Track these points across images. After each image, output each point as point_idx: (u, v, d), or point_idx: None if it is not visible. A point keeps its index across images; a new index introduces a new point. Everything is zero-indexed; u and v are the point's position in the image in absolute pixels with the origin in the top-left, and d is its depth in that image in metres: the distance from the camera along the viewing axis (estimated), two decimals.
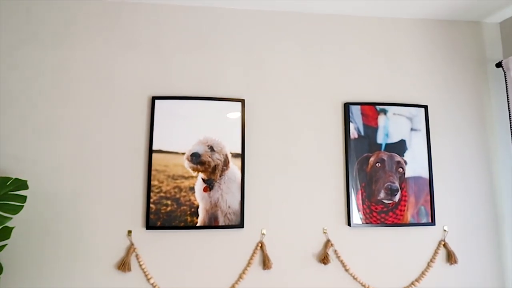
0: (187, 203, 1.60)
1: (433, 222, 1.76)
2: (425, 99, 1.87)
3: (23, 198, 1.37)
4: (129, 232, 1.58)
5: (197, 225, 1.60)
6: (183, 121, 1.65)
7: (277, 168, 1.72)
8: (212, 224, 1.61)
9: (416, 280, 1.73)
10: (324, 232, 1.71)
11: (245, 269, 1.63)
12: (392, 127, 1.82)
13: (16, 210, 1.33)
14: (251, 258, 1.64)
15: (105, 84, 1.66)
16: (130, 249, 1.56)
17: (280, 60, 1.80)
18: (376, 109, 1.82)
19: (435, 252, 1.77)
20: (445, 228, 1.79)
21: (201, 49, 1.75)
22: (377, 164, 1.78)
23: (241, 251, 1.64)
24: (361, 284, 1.69)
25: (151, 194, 1.59)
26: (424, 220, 1.76)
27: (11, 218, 1.31)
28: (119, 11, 1.73)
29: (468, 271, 1.76)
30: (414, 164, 1.80)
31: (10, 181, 1.37)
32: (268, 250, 1.65)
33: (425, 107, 1.85)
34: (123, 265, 1.53)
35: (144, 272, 1.56)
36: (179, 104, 1.66)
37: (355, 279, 1.69)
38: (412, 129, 1.83)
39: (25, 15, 1.66)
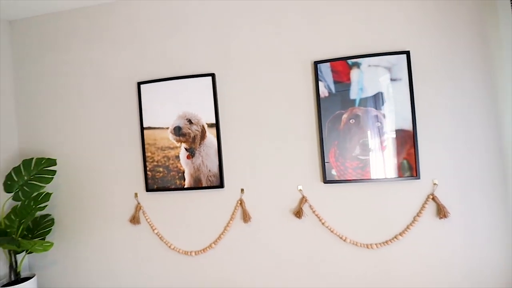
0: (175, 169, 1.86)
1: (417, 176, 1.64)
2: (406, 44, 1.66)
3: (53, 172, 1.83)
4: (136, 194, 1.94)
5: (185, 187, 1.85)
6: (165, 100, 1.86)
7: (250, 132, 1.81)
8: (197, 185, 1.84)
9: (400, 234, 1.68)
10: (299, 190, 1.77)
11: (228, 223, 1.84)
12: (367, 80, 1.69)
13: (48, 181, 1.80)
14: (233, 214, 1.83)
15: (102, 77, 1.97)
16: (138, 207, 1.92)
17: (246, 29, 1.81)
18: (348, 63, 1.70)
19: (422, 206, 1.67)
20: (435, 181, 1.65)
21: (173, 34, 1.89)
22: (350, 121, 1.71)
23: (223, 208, 1.85)
24: (339, 236, 1.73)
25: (147, 163, 1.89)
26: (407, 174, 1.66)
27: (45, 186, 1.79)
28: (103, 14, 1.97)
29: (465, 225, 1.61)
30: (394, 117, 1.66)
31: (44, 160, 1.84)
32: (247, 207, 1.82)
33: (407, 53, 1.64)
34: (134, 219, 1.92)
35: (150, 225, 1.92)
36: (159, 86, 1.87)
37: (332, 231, 1.74)
38: (391, 80, 1.67)
39: (39, 30, 2.06)
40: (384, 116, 1.67)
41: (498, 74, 1.58)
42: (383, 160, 1.67)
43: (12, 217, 1.78)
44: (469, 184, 1.62)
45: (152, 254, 1.92)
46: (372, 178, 1.68)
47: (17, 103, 2.09)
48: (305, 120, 1.76)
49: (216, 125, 1.81)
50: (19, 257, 1.89)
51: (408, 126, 1.65)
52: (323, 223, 1.74)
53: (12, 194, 1.79)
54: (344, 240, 1.72)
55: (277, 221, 1.79)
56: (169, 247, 1.89)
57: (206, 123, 1.82)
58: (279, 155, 1.79)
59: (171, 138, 1.86)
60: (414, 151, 1.64)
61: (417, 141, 1.64)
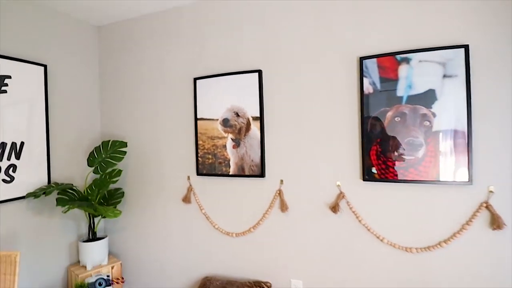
0: (222, 157, 2.03)
1: (469, 181, 1.51)
2: (464, 38, 1.52)
3: (124, 153, 2.16)
4: (188, 177, 2.16)
5: (230, 173, 2.01)
6: (216, 94, 2.03)
7: (292, 126, 1.87)
8: (240, 173, 1.98)
9: (445, 241, 1.57)
10: (338, 185, 1.78)
11: (267, 210, 1.94)
12: (418, 76, 1.59)
13: (119, 159, 2.13)
14: (271, 202, 1.93)
15: (165, 73, 2.22)
16: (189, 188, 2.15)
17: (292, 27, 1.86)
18: (396, 59, 1.63)
19: (474, 214, 1.53)
20: (491, 188, 1.50)
21: (226, 35, 2.03)
22: (395, 119, 1.64)
23: (263, 196, 1.95)
24: (375, 235, 1.70)
25: (198, 150, 2.09)
26: (457, 179, 1.53)
27: (117, 164, 2.12)
28: (171, 18, 2.21)
29: None
30: (447, 116, 1.54)
31: (118, 142, 2.18)
32: (285, 197, 1.89)
33: (466, 47, 1.50)
34: (186, 199, 2.15)
35: (199, 205, 2.13)
36: (212, 81, 2.04)
37: (368, 230, 1.71)
38: (445, 76, 1.55)
39: (120, 34, 2.40)
40: (434, 114, 1.56)
41: None
42: (430, 161, 1.58)
43: (93, 187, 2.15)
44: None
45: (198, 231, 2.13)
46: (416, 179, 1.60)
47: (100, 95, 2.49)
48: (348, 117, 1.75)
49: (260, 119, 1.91)
50: (96, 220, 2.28)
51: (462, 126, 1.52)
52: (359, 221, 1.72)
53: (93, 168, 2.18)
54: (382, 240, 1.68)
55: (313, 214, 1.83)
56: (214, 226, 2.08)
57: (251, 116, 1.94)
58: (319, 149, 1.81)
59: (219, 128, 2.02)
60: (468, 154, 1.51)
61: (471, 143, 1.50)
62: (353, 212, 1.74)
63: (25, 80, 1.98)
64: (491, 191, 1.50)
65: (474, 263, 1.52)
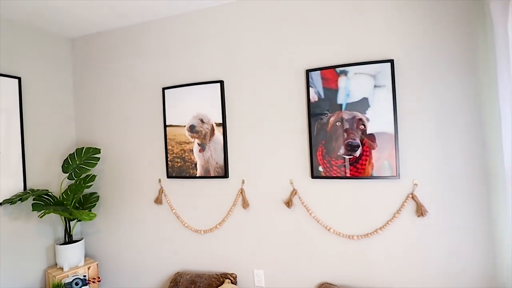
0: (189, 160, 2.20)
1: (397, 176, 1.76)
2: (390, 53, 1.78)
3: (98, 159, 2.30)
4: (159, 180, 2.32)
5: (197, 175, 2.19)
6: (183, 102, 2.21)
7: (251, 131, 2.07)
8: (206, 175, 2.16)
9: (380, 228, 1.82)
10: (291, 183, 1.99)
11: (231, 208, 2.13)
12: (354, 86, 1.84)
13: (93, 165, 2.27)
14: (235, 201, 2.12)
15: (135, 83, 2.38)
16: (161, 190, 2.31)
17: (249, 41, 2.07)
18: (336, 71, 1.87)
19: (402, 204, 1.78)
20: (415, 182, 1.76)
21: (191, 48, 2.22)
22: (337, 123, 1.88)
23: (227, 195, 2.14)
24: (324, 226, 1.92)
25: (168, 155, 2.26)
26: (387, 174, 1.78)
27: (90, 169, 2.26)
28: (140, 32, 2.37)
29: (442, 224, 1.70)
30: (378, 120, 1.80)
31: (91, 149, 2.31)
32: (246, 195, 2.09)
33: (391, 61, 1.76)
34: (157, 200, 2.31)
35: (169, 205, 2.29)
36: (179, 91, 2.22)
37: (318, 221, 1.93)
38: (375, 86, 1.80)
39: (93, 46, 2.54)
40: (368, 119, 1.81)
41: (480, 80, 1.63)
42: (366, 159, 1.82)
43: (68, 192, 2.27)
44: (448, 185, 1.69)
45: (170, 230, 2.30)
46: (354, 175, 1.84)
47: (75, 104, 2.61)
48: (298, 122, 1.97)
49: (223, 125, 2.11)
50: (72, 224, 2.40)
51: (390, 129, 1.77)
52: (310, 214, 1.95)
53: (67, 174, 2.30)
54: (328, 230, 1.91)
55: (271, 209, 2.03)
56: (184, 225, 2.25)
57: (215, 123, 2.13)
58: (275, 152, 2.02)
59: (187, 134, 2.20)
60: (395, 152, 1.77)
61: (398, 143, 1.76)
62: (305, 206, 1.96)
63: (0, 92, 2.09)
64: (415, 184, 1.76)
65: (405, 246, 1.77)
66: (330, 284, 1.88)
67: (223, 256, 2.16)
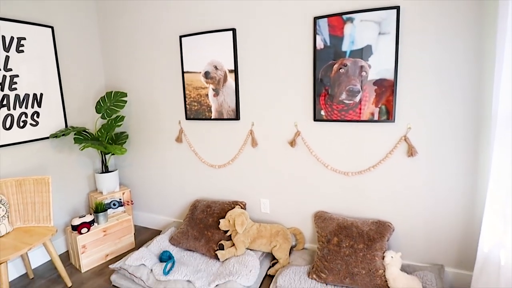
0: (205, 104, 2.39)
1: (392, 120, 1.88)
2: (397, 0, 1.77)
3: (125, 102, 2.53)
4: (179, 121, 2.55)
5: (212, 117, 2.39)
6: (198, 50, 2.32)
7: (261, 77, 2.19)
8: (220, 117, 2.36)
9: (373, 166, 1.99)
10: (295, 125, 2.16)
11: (242, 147, 2.35)
12: (359, 33, 1.88)
13: (121, 107, 2.51)
14: (245, 140, 2.34)
15: (157, 31, 2.50)
16: (180, 130, 2.55)
17: None
18: (342, 19, 1.90)
19: (395, 146, 1.92)
20: (409, 125, 1.87)
21: None
22: (340, 70, 1.96)
23: (238, 135, 2.35)
24: (323, 163, 2.12)
25: (186, 99, 2.45)
26: (384, 118, 1.90)
27: (119, 111, 2.51)
28: None
29: (430, 165, 1.84)
30: (379, 67, 1.86)
31: (119, 93, 2.53)
32: (255, 135, 2.29)
33: (397, 8, 1.76)
34: (178, 139, 2.56)
35: (188, 144, 2.55)
36: (194, 38, 2.32)
37: (318, 159, 2.13)
38: (380, 33, 1.83)
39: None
40: (369, 66, 1.88)
41: (485, 31, 1.63)
42: (365, 104, 1.93)
43: (102, 130, 2.56)
44: (440, 131, 1.80)
45: (189, 164, 2.59)
46: (353, 119, 1.97)
47: (102, 52, 2.78)
48: (304, 68, 2.06)
49: (235, 71, 2.24)
50: (107, 157, 2.74)
51: (390, 75, 1.84)
52: (311, 153, 2.13)
53: (100, 114, 2.57)
54: (326, 167, 2.11)
55: (277, 148, 2.24)
56: (201, 160, 2.52)
57: (228, 69, 2.26)
58: (282, 96, 2.16)
59: (202, 80, 2.36)
60: (393, 98, 1.86)
61: (396, 89, 1.84)
62: (306, 146, 2.14)
63: (37, 41, 2.28)
64: (409, 128, 1.87)
65: (395, 182, 1.95)
66: (325, 212, 2.14)
67: (235, 187, 2.44)
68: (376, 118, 1.91)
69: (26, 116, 2.26)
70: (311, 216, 2.22)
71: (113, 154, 2.52)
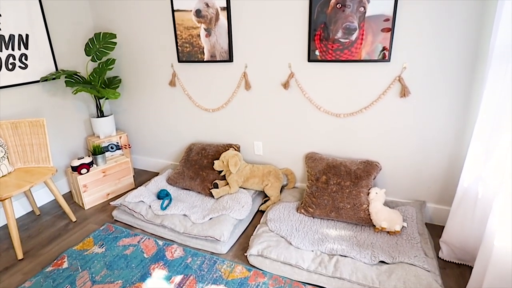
0: (197, 45, 2.29)
1: (387, 59, 1.81)
2: None
3: (114, 43, 2.42)
4: (172, 64, 2.47)
5: (204, 59, 2.31)
6: None
7: (254, 15, 2.06)
8: (213, 59, 2.28)
9: (365, 108, 1.98)
10: (289, 66, 2.09)
11: (235, 90, 2.31)
12: None
13: (111, 49, 2.41)
14: (239, 83, 2.29)
15: None
16: (173, 74, 2.48)
17: None
18: None
19: (389, 86, 1.88)
20: (405, 65, 1.81)
21: None
22: (337, 6, 1.84)
23: (232, 78, 2.29)
24: (315, 105, 2.10)
25: (178, 40, 2.34)
26: (379, 57, 1.83)
27: (109, 53, 2.41)
28: None
29: (422, 104, 1.82)
30: (378, 2, 1.74)
31: (108, 34, 2.41)
32: (249, 78, 2.24)
33: None
34: (171, 83, 2.51)
35: (182, 87, 2.50)
36: None
37: (310, 101, 2.10)
38: None
39: None
40: (368, 1, 1.76)
41: None
42: (361, 43, 1.85)
43: (94, 74, 2.49)
44: (435, 71, 1.74)
45: (184, 109, 2.57)
46: (348, 59, 1.90)
47: None
48: (300, 5, 1.93)
49: (227, 9, 2.10)
50: (102, 102, 2.70)
51: (389, 12, 1.73)
52: (304, 95, 2.10)
53: (90, 57, 2.47)
54: (319, 109, 2.09)
55: (270, 90, 2.20)
56: (195, 104, 2.49)
57: (220, 7, 2.12)
58: (276, 37, 2.06)
59: (193, 19, 2.23)
60: (391, 36, 1.77)
61: (394, 26, 1.75)
62: (300, 88, 2.10)
63: None
64: (404, 67, 1.82)
65: (384, 122, 1.95)
66: (316, 153, 2.18)
67: (228, 130, 2.46)
68: (371, 57, 1.85)
69: (14, 58, 2.18)
70: (302, 157, 2.27)
71: (107, 99, 2.48)
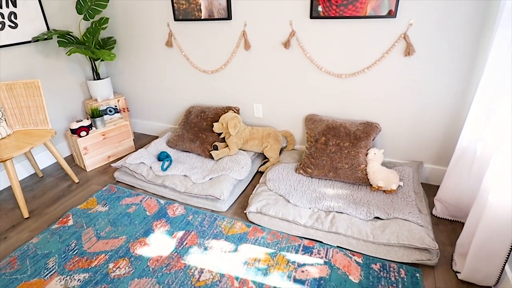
0: (194, 2, 2.16)
1: (393, 15, 1.72)
2: None
3: (107, 0, 2.29)
4: (168, 23, 2.35)
5: (202, 17, 2.19)
6: None
7: None
8: (211, 17, 2.16)
9: (367, 68, 1.91)
10: (290, 24, 1.99)
11: (234, 50, 2.22)
12: None
13: (103, 7, 2.28)
14: (238, 42, 2.19)
15: None
16: (170, 33, 2.37)
17: None
18: None
19: (393, 44, 1.81)
20: (411, 21, 1.72)
21: None
22: None
23: (231, 37, 2.19)
24: (317, 66, 2.03)
25: None
26: (385, 13, 1.74)
27: (102, 11, 2.28)
28: None
29: (427, 64, 1.75)
30: None
31: None
32: (248, 37, 2.14)
33: None
34: (168, 43, 2.41)
35: (179, 48, 2.40)
36: None
37: (311, 61, 2.03)
38: None
39: None
40: None
41: None
42: None
43: (88, 34, 2.38)
44: (442, 28, 1.65)
45: (182, 70, 2.49)
46: (352, 15, 1.80)
47: None
48: None
49: None
50: (97, 64, 2.61)
51: None
52: (305, 54, 2.02)
53: (82, 15, 2.35)
54: (320, 70, 2.03)
55: (270, 50, 2.11)
56: (193, 66, 2.42)
57: None
58: None
59: None
60: None
61: None
62: (301, 47, 2.02)
63: None
64: (410, 24, 1.73)
65: (386, 82, 1.90)
66: (316, 114, 2.15)
67: (228, 93, 2.40)
68: (377, 13, 1.75)
69: (3, 17, 2.07)
70: (302, 119, 2.24)
71: (102, 60, 2.39)
